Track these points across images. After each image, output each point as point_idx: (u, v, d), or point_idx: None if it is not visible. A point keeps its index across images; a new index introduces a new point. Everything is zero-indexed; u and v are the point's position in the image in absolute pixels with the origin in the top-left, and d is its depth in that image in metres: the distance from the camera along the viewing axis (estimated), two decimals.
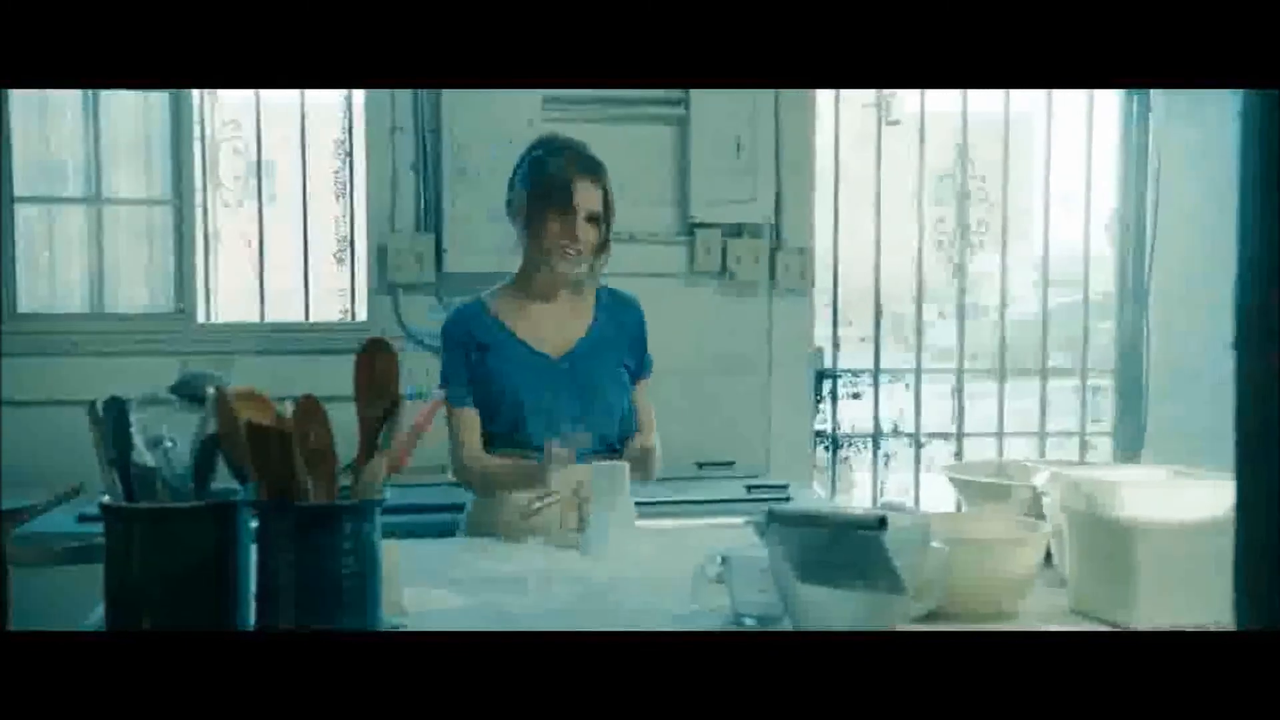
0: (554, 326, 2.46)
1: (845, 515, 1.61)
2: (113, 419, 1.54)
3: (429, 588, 1.83)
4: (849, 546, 1.56)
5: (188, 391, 1.65)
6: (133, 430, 1.56)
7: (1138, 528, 1.58)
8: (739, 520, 2.93)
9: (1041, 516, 1.98)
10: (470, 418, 2.40)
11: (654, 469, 2.41)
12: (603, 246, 2.45)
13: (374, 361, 1.55)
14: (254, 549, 1.50)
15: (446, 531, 2.60)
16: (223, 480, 1.57)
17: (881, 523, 1.55)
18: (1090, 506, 1.67)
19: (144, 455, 1.56)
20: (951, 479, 2.23)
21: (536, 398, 2.38)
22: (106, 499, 1.52)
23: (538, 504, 2.22)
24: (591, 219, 2.40)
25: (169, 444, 1.61)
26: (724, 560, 1.75)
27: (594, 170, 2.41)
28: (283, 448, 1.45)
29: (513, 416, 2.38)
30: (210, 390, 1.57)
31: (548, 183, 2.39)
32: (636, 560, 2.03)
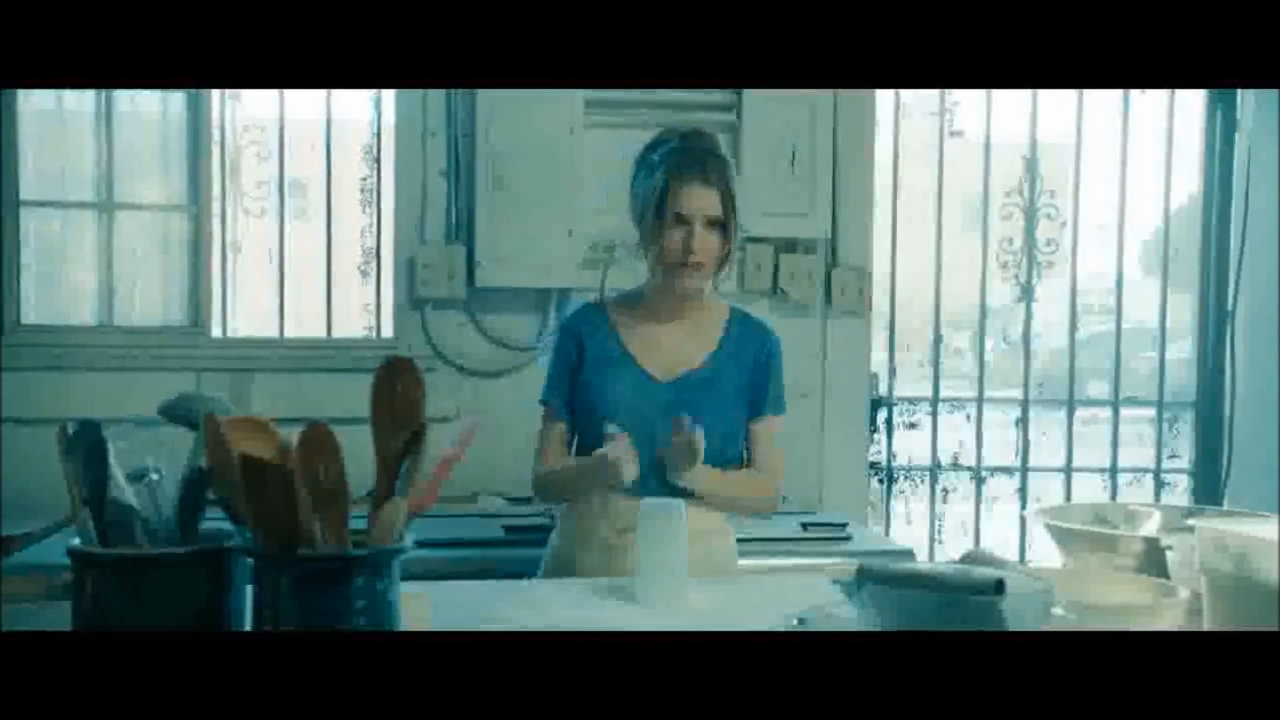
0: (670, 348, 2.21)
1: (953, 576, 1.35)
2: (86, 448, 1.31)
3: None
4: (960, 614, 1.32)
5: (179, 415, 1.42)
6: (111, 461, 1.32)
7: None
8: (798, 561, 2.71)
9: (1156, 572, 1.73)
10: (558, 431, 2.23)
11: (767, 505, 2.27)
12: (726, 256, 2.17)
13: (395, 385, 1.31)
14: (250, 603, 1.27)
15: (474, 570, 2.39)
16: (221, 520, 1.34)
17: (999, 587, 1.30)
18: (1241, 569, 1.41)
19: (123, 491, 1.33)
20: (1048, 526, 1.97)
21: (632, 421, 2.10)
22: (76, 543, 1.29)
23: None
24: (711, 225, 2.12)
25: (154, 477, 1.38)
26: (801, 621, 1.52)
27: (706, 169, 2.11)
28: (283, 486, 1.21)
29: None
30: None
31: (656, 190, 2.12)
32: (694, 614, 1.78)
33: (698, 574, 1.95)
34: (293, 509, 1.22)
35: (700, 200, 2.10)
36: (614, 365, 2.19)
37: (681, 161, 2.11)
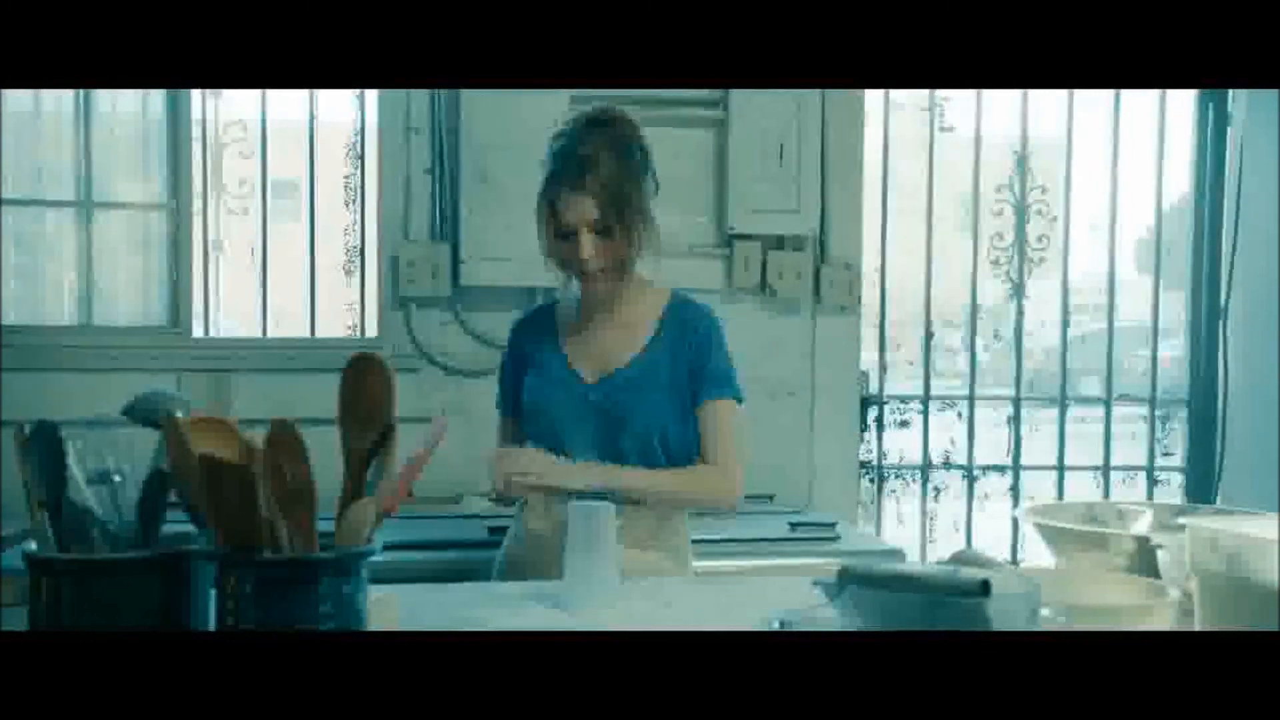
0: (603, 346, 2.13)
1: (937, 577, 1.31)
2: (43, 449, 1.26)
3: None
4: (944, 616, 1.28)
5: (144, 415, 1.38)
6: (70, 462, 1.28)
7: None
8: (785, 562, 2.67)
9: (1148, 571, 1.69)
10: (505, 424, 2.24)
11: (712, 496, 2.11)
12: (627, 254, 2.06)
13: (363, 383, 1.28)
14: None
15: (457, 572, 2.33)
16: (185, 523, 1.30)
17: (984, 588, 1.26)
18: (1234, 569, 1.37)
19: (82, 493, 1.28)
20: (1037, 525, 1.93)
21: (565, 426, 2.08)
22: (32, 547, 1.25)
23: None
24: (599, 231, 2.03)
25: (117, 479, 1.33)
26: (782, 625, 1.47)
27: (579, 176, 2.00)
28: (244, 487, 1.17)
29: (547, 442, 2.09)
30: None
31: (539, 199, 2.06)
32: (674, 615, 1.74)
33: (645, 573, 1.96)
34: (253, 510, 1.18)
35: (578, 209, 2.01)
36: (546, 367, 2.14)
37: (556, 169, 2.04)
